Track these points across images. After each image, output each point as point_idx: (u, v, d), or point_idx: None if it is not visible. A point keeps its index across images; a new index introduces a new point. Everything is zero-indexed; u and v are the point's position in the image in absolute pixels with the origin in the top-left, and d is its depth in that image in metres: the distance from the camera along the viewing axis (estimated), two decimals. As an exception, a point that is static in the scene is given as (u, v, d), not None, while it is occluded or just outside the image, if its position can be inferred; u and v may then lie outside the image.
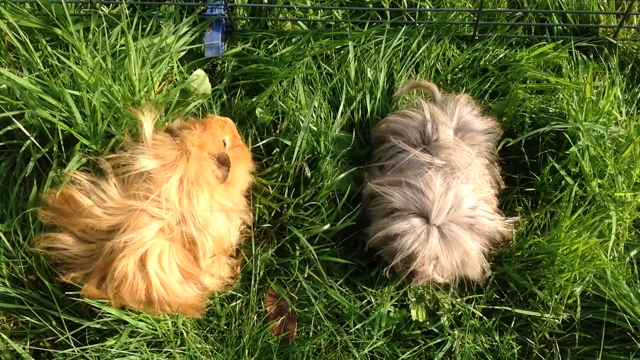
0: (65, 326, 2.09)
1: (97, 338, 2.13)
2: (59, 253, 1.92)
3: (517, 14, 2.77)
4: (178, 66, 2.56)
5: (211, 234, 1.96)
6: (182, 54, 2.63)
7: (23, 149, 2.33)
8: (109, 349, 2.05)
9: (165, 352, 2.09)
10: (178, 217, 1.90)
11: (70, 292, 2.01)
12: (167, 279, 1.90)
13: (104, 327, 2.10)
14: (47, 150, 2.30)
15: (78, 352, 2.04)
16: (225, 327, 2.18)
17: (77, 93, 2.26)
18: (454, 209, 1.93)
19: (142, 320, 2.10)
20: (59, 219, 1.96)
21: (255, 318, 2.19)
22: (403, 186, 1.99)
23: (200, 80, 2.51)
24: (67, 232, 1.93)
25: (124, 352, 2.05)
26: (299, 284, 2.21)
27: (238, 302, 2.21)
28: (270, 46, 2.69)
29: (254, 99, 2.51)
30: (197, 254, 1.95)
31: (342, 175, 2.31)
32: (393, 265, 2.00)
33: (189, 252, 1.96)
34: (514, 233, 2.26)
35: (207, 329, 2.19)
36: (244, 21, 2.75)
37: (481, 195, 2.06)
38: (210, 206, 1.96)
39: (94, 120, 2.26)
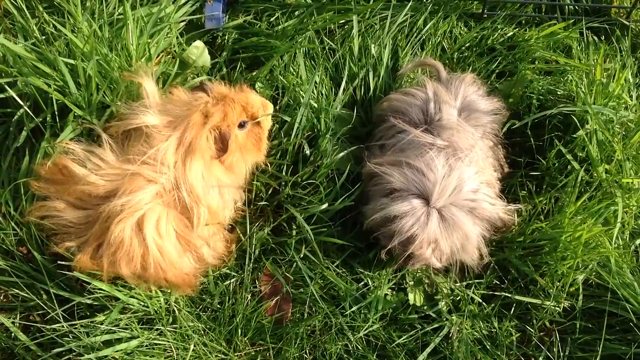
0: (55, 300, 2.04)
1: (88, 313, 2.08)
2: (54, 222, 1.88)
3: (528, -7, 2.70)
4: (177, 37, 2.49)
5: (204, 204, 1.91)
6: (182, 25, 2.56)
7: (16, 117, 2.27)
8: (98, 325, 2.01)
9: (156, 329, 2.05)
10: (172, 181, 1.86)
11: (63, 263, 1.97)
12: (164, 245, 1.87)
13: (95, 303, 2.06)
14: (40, 119, 2.25)
15: (67, 327, 1.99)
16: (218, 306, 2.14)
17: (72, 62, 2.20)
18: (455, 191, 1.87)
19: (133, 297, 2.06)
20: (53, 189, 1.92)
21: (249, 297, 2.15)
22: (403, 166, 1.93)
23: (199, 52, 2.44)
24: (62, 201, 1.88)
25: (113, 328, 2.01)
26: (295, 264, 2.16)
27: (232, 280, 2.17)
28: (272, 19, 2.62)
29: (254, 73, 2.45)
30: (192, 222, 1.91)
31: (341, 154, 2.25)
32: (390, 248, 1.95)
33: (186, 219, 1.92)
34: (516, 220, 2.20)
35: (200, 307, 2.14)
36: (245, -8, 2.68)
37: (484, 178, 2.00)
38: (203, 177, 1.91)
39: (88, 90, 2.20)
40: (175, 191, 1.87)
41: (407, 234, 1.88)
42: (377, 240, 2.07)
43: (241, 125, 1.99)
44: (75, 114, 2.19)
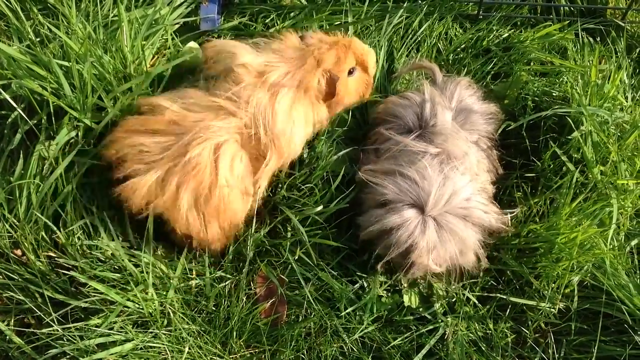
0: (49, 303, 2.04)
1: (82, 316, 2.08)
2: (129, 149, 1.98)
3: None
4: (172, 39, 2.49)
5: (280, 144, 2.03)
6: (177, 26, 2.55)
7: (10, 120, 2.26)
8: (93, 328, 2.00)
9: (151, 332, 2.05)
10: (255, 119, 1.98)
11: (58, 261, 1.97)
12: (231, 183, 1.97)
13: (90, 306, 2.05)
14: (35, 122, 2.24)
15: (60, 331, 1.99)
16: (213, 309, 2.14)
17: (66, 64, 2.19)
18: (450, 200, 1.88)
19: (129, 300, 2.05)
20: (136, 122, 2.02)
21: (244, 300, 2.15)
22: (396, 176, 1.94)
23: (193, 53, 2.43)
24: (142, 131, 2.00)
25: (108, 331, 2.00)
26: (290, 266, 2.16)
27: (227, 283, 2.17)
28: (267, 20, 2.61)
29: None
30: (261, 162, 2.04)
31: (336, 156, 2.25)
32: (389, 259, 1.96)
33: (256, 159, 2.05)
34: (509, 225, 2.19)
35: (195, 309, 2.14)
36: (241, -6, 2.68)
37: (478, 186, 2.01)
38: (290, 118, 2.03)
39: (83, 92, 2.19)
40: (255, 129, 1.98)
41: (405, 245, 1.89)
42: (372, 246, 2.07)
43: (350, 72, 2.16)
44: (70, 116, 2.19)
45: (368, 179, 2.00)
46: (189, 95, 2.03)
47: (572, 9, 2.66)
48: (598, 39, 2.61)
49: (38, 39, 2.34)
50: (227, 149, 1.96)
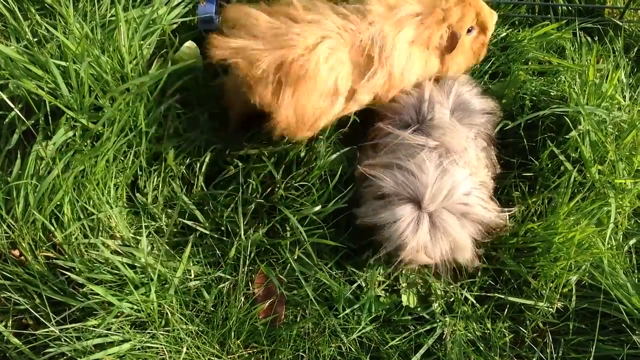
0: (47, 304, 2.04)
1: (80, 316, 2.08)
2: (245, 19, 2.07)
3: (521, -7, 2.69)
4: (170, 38, 2.48)
5: (392, 71, 2.09)
6: (175, 26, 2.54)
7: (7, 120, 2.26)
8: (91, 328, 2.00)
9: (149, 332, 2.05)
10: (373, 41, 2.03)
11: (56, 262, 1.96)
12: (322, 67, 2.00)
13: (87, 307, 2.05)
14: (32, 122, 2.24)
15: (57, 331, 1.99)
16: (212, 309, 2.14)
17: (63, 64, 2.19)
18: (448, 195, 1.88)
19: (129, 302, 2.05)
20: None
21: (243, 300, 2.15)
22: (394, 169, 1.93)
23: (191, 52, 2.43)
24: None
25: (105, 331, 2.00)
26: (288, 265, 2.16)
27: (226, 283, 2.16)
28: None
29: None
30: (364, 73, 2.08)
31: (334, 155, 2.24)
32: (381, 251, 1.96)
33: (359, 73, 2.09)
34: (509, 223, 2.19)
35: (194, 309, 2.14)
36: (239, -7, 2.67)
37: (478, 180, 2.00)
38: (407, 52, 2.09)
39: (80, 92, 2.19)
40: (369, 49, 2.04)
41: (396, 242, 1.89)
42: (370, 242, 2.07)
43: (469, 30, 2.18)
44: (67, 116, 2.19)
45: (366, 172, 2.00)
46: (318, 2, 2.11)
47: (569, 8, 2.66)
48: (596, 38, 2.60)
49: (35, 39, 2.33)
50: (331, 42, 2.01)
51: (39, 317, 2.06)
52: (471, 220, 1.95)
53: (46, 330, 2.01)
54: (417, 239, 1.88)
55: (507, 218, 2.11)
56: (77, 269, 2.07)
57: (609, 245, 2.16)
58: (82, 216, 2.15)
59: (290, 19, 2.05)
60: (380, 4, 2.07)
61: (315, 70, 2.00)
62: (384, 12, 2.06)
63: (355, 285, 2.18)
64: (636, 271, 2.20)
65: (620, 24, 2.61)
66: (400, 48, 2.08)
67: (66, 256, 2.12)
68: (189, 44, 2.45)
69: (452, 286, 2.20)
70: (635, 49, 2.58)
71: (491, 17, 2.22)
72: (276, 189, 2.25)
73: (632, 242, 2.23)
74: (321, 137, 2.25)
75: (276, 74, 2.00)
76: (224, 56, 2.03)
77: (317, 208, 2.17)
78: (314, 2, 2.10)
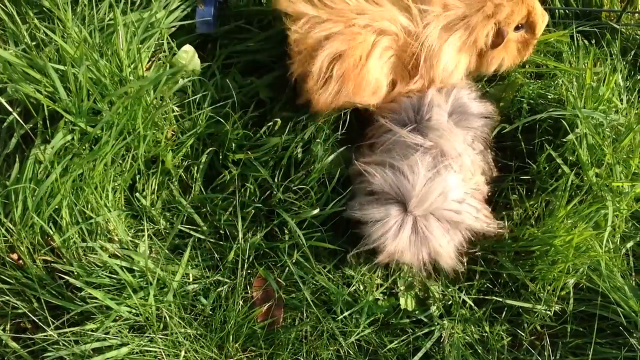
0: (45, 308, 2.04)
1: (78, 320, 2.08)
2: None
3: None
4: (168, 42, 2.48)
5: (435, 75, 2.12)
6: (173, 30, 2.55)
7: (6, 124, 2.27)
8: (89, 332, 2.00)
9: (147, 336, 2.05)
10: (421, 45, 2.06)
11: (54, 265, 1.96)
12: (373, 77, 2.09)
13: (85, 310, 2.05)
14: (30, 126, 2.24)
15: (55, 335, 1.99)
16: (210, 312, 2.14)
17: (61, 67, 2.20)
18: (437, 200, 1.89)
19: (127, 306, 2.06)
20: None
21: (241, 303, 2.15)
22: (386, 167, 1.95)
23: (189, 56, 2.44)
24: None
25: (104, 335, 2.00)
26: (287, 269, 2.17)
27: (225, 287, 2.17)
28: (264, 23, 2.61)
29: (257, 79, 2.46)
30: (408, 75, 2.14)
31: (331, 157, 2.24)
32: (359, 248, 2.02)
33: (402, 66, 2.13)
34: (501, 231, 2.19)
35: (192, 313, 2.14)
36: (237, -3, 2.68)
37: (471, 186, 2.01)
38: (454, 59, 2.12)
39: (79, 96, 2.19)
40: (417, 49, 2.07)
41: (375, 243, 1.92)
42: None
43: (517, 28, 2.16)
44: (66, 120, 2.19)
45: (360, 166, 2.02)
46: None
47: (567, 11, 2.66)
48: (593, 41, 2.61)
49: (34, 43, 2.34)
50: (387, 41, 2.06)
51: (37, 321, 2.06)
52: (458, 228, 1.97)
53: (44, 334, 2.01)
54: (395, 243, 1.91)
55: (497, 227, 2.11)
56: (76, 273, 2.07)
57: (607, 248, 2.17)
58: (80, 220, 2.15)
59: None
60: (439, 3, 2.07)
61: (366, 75, 2.06)
62: (439, 13, 2.07)
63: (353, 288, 2.18)
64: (633, 274, 2.20)
65: (618, 27, 2.61)
66: (445, 58, 2.10)
67: (64, 260, 2.12)
68: (187, 47, 2.46)
69: (450, 289, 2.21)
70: (632, 52, 2.58)
71: (543, 18, 2.20)
72: (274, 193, 2.25)
73: (629, 245, 2.23)
74: (318, 140, 2.25)
75: (329, 67, 2.07)
76: (287, 11, 2.14)
77: (316, 211, 2.18)
78: None
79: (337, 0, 2.08)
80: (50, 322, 2.03)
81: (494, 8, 2.06)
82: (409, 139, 2.03)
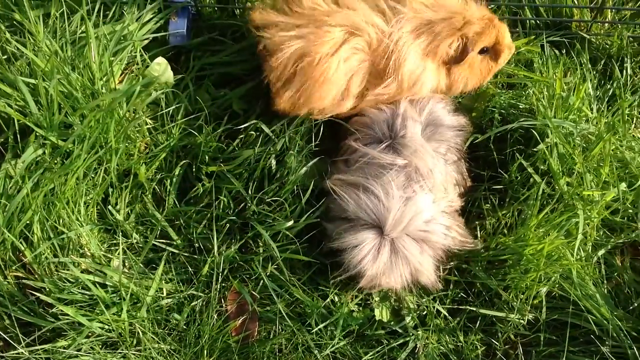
0: (16, 325, 2.02)
1: (50, 337, 2.06)
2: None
3: (490, 6, 2.71)
4: (141, 55, 2.47)
5: (402, 80, 2.10)
6: (146, 42, 2.54)
7: (-25, 139, 2.25)
8: (61, 350, 1.98)
9: (120, 352, 2.03)
10: (393, 42, 2.04)
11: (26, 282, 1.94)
12: (340, 78, 2.08)
13: (57, 327, 2.03)
14: (1, 140, 2.22)
15: (26, 353, 1.97)
16: (184, 327, 2.13)
17: (32, 81, 2.18)
18: (411, 222, 1.91)
19: (99, 322, 2.04)
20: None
21: (215, 317, 2.14)
22: (360, 191, 1.95)
23: (162, 68, 2.43)
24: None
25: (76, 352, 1.99)
26: (261, 282, 2.16)
27: (199, 301, 2.16)
28: (237, 34, 2.61)
29: (231, 91, 2.45)
30: (380, 79, 2.12)
31: (305, 168, 2.24)
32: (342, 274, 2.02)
33: (375, 74, 2.12)
34: (474, 247, 2.21)
35: (166, 328, 2.13)
36: (210, 9, 2.67)
37: (443, 205, 2.03)
38: (420, 64, 2.11)
39: (50, 110, 2.18)
40: (383, 50, 2.06)
41: (355, 269, 1.93)
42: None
43: (483, 51, 2.17)
44: (37, 134, 2.17)
45: (334, 190, 2.02)
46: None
47: (537, 22, 2.69)
48: (564, 51, 2.64)
49: (4, 57, 2.31)
50: (357, 42, 2.05)
51: (7, 338, 2.03)
52: (434, 247, 1.99)
53: (16, 352, 1.99)
54: (376, 267, 1.92)
55: (471, 243, 2.13)
56: (47, 289, 2.05)
57: (578, 257, 2.19)
58: (52, 235, 2.13)
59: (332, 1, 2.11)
60: (414, 5, 2.08)
61: (328, 73, 2.05)
62: (411, 15, 2.07)
63: (328, 300, 2.18)
64: (605, 282, 2.22)
65: (587, 37, 2.64)
66: (410, 59, 2.09)
67: (36, 276, 2.10)
68: (160, 59, 2.45)
69: (424, 299, 2.21)
70: (602, 62, 2.61)
71: (510, 49, 2.22)
72: (248, 205, 2.25)
73: (600, 253, 2.25)
74: (292, 152, 2.25)
75: (295, 64, 2.08)
76: (257, 24, 2.17)
77: (290, 223, 2.18)
78: None
79: (309, 7, 2.10)
80: (22, 339, 2.00)
81: (463, 22, 2.08)
82: (382, 159, 2.03)
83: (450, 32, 2.07)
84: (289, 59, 2.08)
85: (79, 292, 2.07)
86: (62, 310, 2.00)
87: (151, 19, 2.54)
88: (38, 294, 2.04)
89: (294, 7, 2.11)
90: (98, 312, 2.04)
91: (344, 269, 1.99)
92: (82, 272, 2.09)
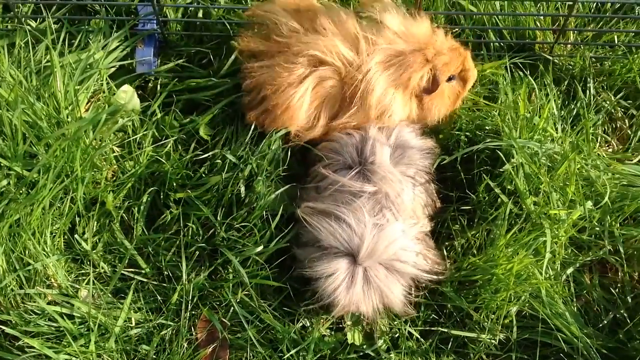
0: (-19, 359, 1.98)
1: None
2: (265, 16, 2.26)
3: (454, 30, 2.75)
4: (108, 83, 2.46)
5: (368, 110, 2.15)
6: (112, 70, 2.54)
7: (-61, 170, 2.21)
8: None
9: (89, 384, 2.00)
10: (362, 72, 2.10)
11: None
12: (306, 96, 2.13)
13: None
14: (-35, 171, 2.19)
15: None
16: (154, 357, 2.10)
17: (-4, 112, 2.16)
18: (386, 250, 1.92)
19: (67, 354, 2.00)
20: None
21: (185, 346, 2.11)
22: (332, 219, 1.96)
23: (128, 96, 2.42)
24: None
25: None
26: (231, 308, 2.14)
27: (168, 330, 2.13)
28: (204, 61, 2.62)
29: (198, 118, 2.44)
30: (348, 106, 2.18)
31: (274, 195, 2.24)
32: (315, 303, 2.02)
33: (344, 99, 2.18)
34: (444, 271, 2.21)
35: (135, 358, 2.10)
36: (177, 36, 2.67)
37: (414, 231, 2.05)
38: (388, 94, 2.15)
39: (15, 140, 2.16)
40: (354, 79, 2.11)
41: (329, 298, 1.95)
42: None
43: (450, 79, 2.24)
44: (1, 164, 2.15)
45: (305, 219, 2.02)
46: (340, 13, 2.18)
47: (501, 44, 2.73)
48: (528, 72, 2.67)
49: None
50: (324, 72, 2.13)
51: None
52: (405, 275, 2.02)
53: (-20, 387, 1.94)
54: (349, 296, 1.93)
55: (442, 269, 2.15)
56: (13, 322, 2.02)
57: (547, 275, 2.20)
58: (17, 267, 2.10)
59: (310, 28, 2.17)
60: (388, 34, 2.13)
61: (296, 102, 2.12)
62: (384, 47, 2.12)
63: (299, 325, 2.17)
64: (574, 300, 2.24)
65: (551, 58, 2.69)
66: (378, 89, 2.13)
67: (1, 309, 2.06)
68: (126, 87, 2.45)
69: (396, 322, 2.21)
70: (566, 82, 2.66)
71: (473, 76, 2.31)
72: (217, 231, 2.23)
73: (569, 271, 2.27)
74: (260, 177, 2.24)
75: (262, 90, 2.18)
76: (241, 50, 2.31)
77: (259, 249, 2.16)
78: (338, 14, 2.18)
79: (287, 35, 2.16)
80: (-14, 375, 1.96)
81: (434, 54, 2.14)
82: (351, 187, 2.04)
83: (421, 65, 2.13)
84: (258, 85, 2.18)
85: (46, 324, 2.04)
86: (28, 343, 1.96)
87: (117, 47, 2.55)
88: (3, 327, 1.99)
89: (275, 35, 2.20)
90: (65, 344, 2.01)
91: (317, 298, 1.99)
92: (48, 303, 2.06)
